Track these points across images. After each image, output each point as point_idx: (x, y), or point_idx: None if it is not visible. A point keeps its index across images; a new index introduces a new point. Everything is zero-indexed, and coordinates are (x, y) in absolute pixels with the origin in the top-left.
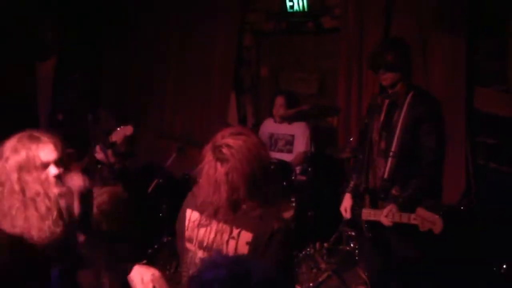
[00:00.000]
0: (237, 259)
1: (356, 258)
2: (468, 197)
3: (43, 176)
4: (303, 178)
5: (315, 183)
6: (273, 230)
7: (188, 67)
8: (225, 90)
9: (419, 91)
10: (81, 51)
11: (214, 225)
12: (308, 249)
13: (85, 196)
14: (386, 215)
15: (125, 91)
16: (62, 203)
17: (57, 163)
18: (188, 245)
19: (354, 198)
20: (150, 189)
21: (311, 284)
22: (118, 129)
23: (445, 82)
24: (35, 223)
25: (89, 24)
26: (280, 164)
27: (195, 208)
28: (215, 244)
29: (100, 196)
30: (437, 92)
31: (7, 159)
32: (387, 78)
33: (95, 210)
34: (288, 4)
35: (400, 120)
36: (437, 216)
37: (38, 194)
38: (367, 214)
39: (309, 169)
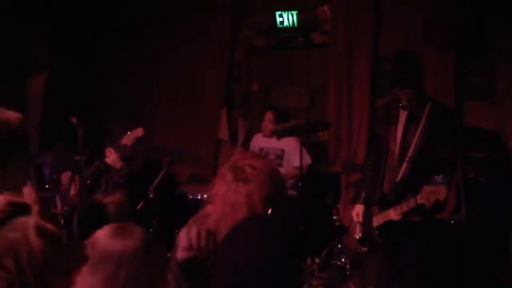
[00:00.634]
0: None
1: (348, 273)
2: (458, 211)
3: None
4: (294, 193)
5: (306, 198)
6: None
7: (179, 83)
8: (216, 105)
9: (436, 102)
10: (71, 67)
11: None
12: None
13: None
14: (395, 209)
15: (115, 105)
16: None
17: None
18: None
19: (366, 208)
20: (139, 207)
21: None
22: (129, 132)
23: (434, 96)
24: None
25: (80, 40)
26: None
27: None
28: None
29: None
30: None
31: None
32: (404, 93)
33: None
34: (279, 20)
35: (418, 131)
36: (441, 186)
37: None
38: (377, 219)
39: (300, 184)
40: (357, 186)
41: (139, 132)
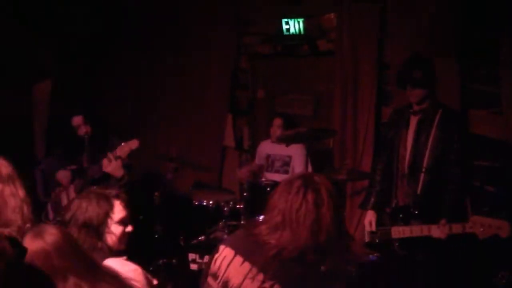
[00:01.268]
0: None
1: (355, 282)
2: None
3: None
4: None
5: None
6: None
7: (184, 90)
8: (221, 112)
9: (448, 109)
10: (77, 73)
11: (246, 268)
12: None
13: None
14: (438, 227)
15: (121, 112)
16: None
17: None
18: (210, 280)
19: (377, 214)
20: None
21: None
22: (123, 143)
23: None
24: None
25: (84, 48)
26: (276, 185)
27: (230, 245)
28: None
29: None
30: None
31: None
32: (415, 94)
33: None
34: (285, 27)
35: (431, 138)
36: (504, 221)
37: None
38: (400, 231)
39: None
40: (364, 193)
41: (133, 144)
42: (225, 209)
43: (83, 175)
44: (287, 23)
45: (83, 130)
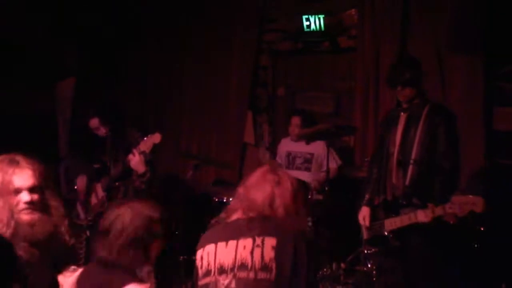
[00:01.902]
0: None
1: (374, 279)
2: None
3: (13, 201)
4: (320, 197)
5: (332, 203)
6: (295, 233)
7: (205, 87)
8: (242, 109)
9: (435, 104)
10: (100, 71)
11: (232, 245)
12: (325, 270)
13: None
14: (424, 211)
15: (142, 109)
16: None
17: (32, 190)
18: (205, 280)
19: (372, 210)
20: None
21: None
22: (145, 138)
23: (463, 102)
24: None
25: (106, 47)
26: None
27: (207, 242)
28: (238, 261)
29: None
30: (455, 112)
31: None
32: (404, 94)
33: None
34: (305, 23)
35: (418, 131)
36: (478, 197)
37: (1, 220)
38: (392, 223)
39: (326, 188)
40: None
41: (156, 138)
42: None
43: (107, 173)
44: (307, 19)
45: (102, 132)
